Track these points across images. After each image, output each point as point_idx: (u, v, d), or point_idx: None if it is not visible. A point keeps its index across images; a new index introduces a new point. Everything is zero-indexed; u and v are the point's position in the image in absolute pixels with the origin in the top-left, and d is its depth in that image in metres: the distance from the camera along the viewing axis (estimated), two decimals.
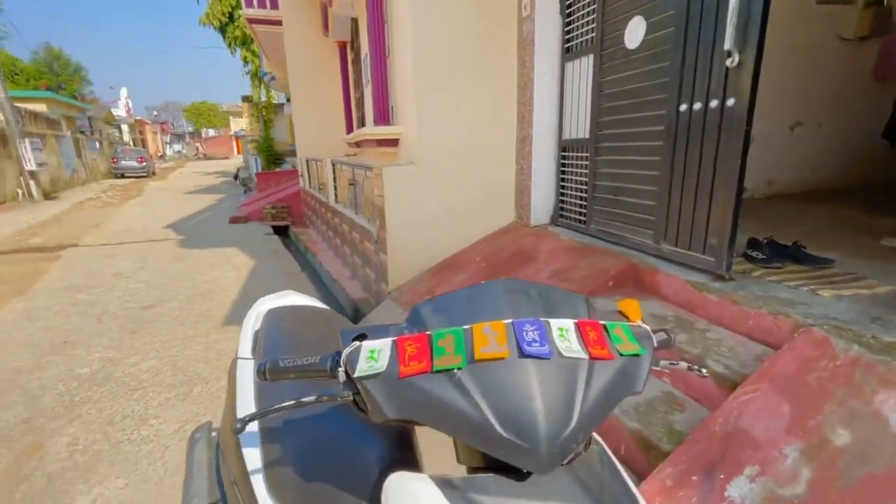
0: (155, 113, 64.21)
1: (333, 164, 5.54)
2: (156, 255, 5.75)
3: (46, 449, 2.05)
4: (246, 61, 16.69)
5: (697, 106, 2.12)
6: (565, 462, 0.58)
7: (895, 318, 1.62)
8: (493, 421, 0.51)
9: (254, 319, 1.37)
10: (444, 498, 0.50)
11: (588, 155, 2.98)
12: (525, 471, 0.54)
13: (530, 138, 3.36)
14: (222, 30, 15.64)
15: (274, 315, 1.34)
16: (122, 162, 21.67)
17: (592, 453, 0.64)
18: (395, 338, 0.59)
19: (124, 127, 33.12)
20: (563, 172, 3.34)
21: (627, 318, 0.68)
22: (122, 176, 21.60)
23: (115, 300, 4.04)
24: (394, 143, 4.04)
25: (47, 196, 12.47)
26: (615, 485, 0.61)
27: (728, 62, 1.91)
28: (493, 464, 0.56)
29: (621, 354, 0.60)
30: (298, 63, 7.88)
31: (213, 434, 1.39)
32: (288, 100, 17.93)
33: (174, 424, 2.22)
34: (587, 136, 2.97)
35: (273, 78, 12.79)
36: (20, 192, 11.78)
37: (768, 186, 4.21)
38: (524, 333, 0.55)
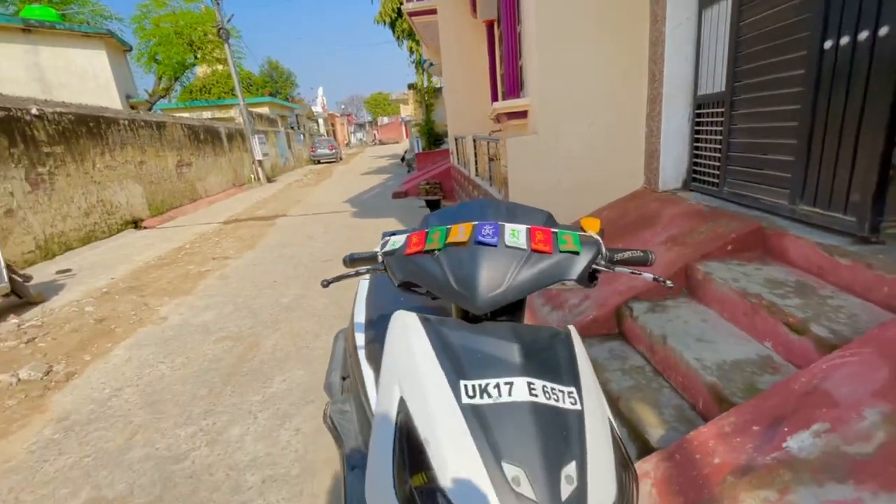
0: (342, 106, 74.88)
1: (474, 140, 5.96)
2: (335, 223, 7.11)
3: (260, 347, 2.98)
4: (411, 51, 18.30)
5: (845, 40, 1.82)
6: (505, 318, 0.83)
7: None
8: (451, 281, 0.80)
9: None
10: (421, 326, 0.81)
11: (723, 111, 2.72)
12: (472, 316, 0.82)
13: (661, 98, 3.18)
14: (392, 25, 17.42)
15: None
16: (318, 150, 26.20)
17: (553, 332, 0.86)
18: (409, 233, 0.91)
19: (320, 121, 39.69)
20: (697, 132, 3.09)
21: (583, 230, 0.87)
22: (318, 162, 26.14)
23: (305, 254, 5.27)
24: (523, 115, 4.22)
25: (269, 179, 16.07)
26: (556, 351, 0.82)
27: None
28: (461, 315, 0.86)
29: (561, 252, 0.81)
30: (451, 46, 8.47)
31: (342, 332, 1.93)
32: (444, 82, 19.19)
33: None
34: (723, 89, 2.71)
35: (432, 64, 13.84)
36: (252, 176, 15.47)
37: None
38: (482, 230, 0.82)
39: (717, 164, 2.85)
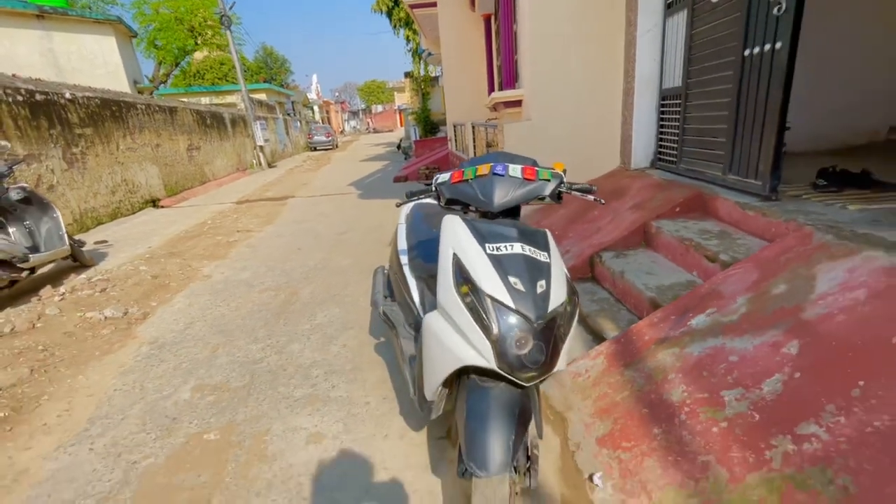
0: (336, 94, 74.53)
1: (473, 127, 6.56)
2: (344, 203, 7.70)
3: (299, 294, 3.60)
4: (408, 40, 18.67)
5: (756, 50, 2.46)
6: (510, 219, 1.47)
7: (893, 220, 1.91)
8: (479, 194, 1.43)
9: (405, 208, 2.48)
10: (461, 220, 1.44)
11: (680, 102, 3.36)
12: (489, 216, 1.45)
13: (633, 91, 3.81)
14: (389, 13, 17.77)
15: (416, 205, 2.42)
16: (315, 137, 26.54)
17: (537, 229, 1.49)
18: (451, 172, 1.54)
19: (315, 108, 39.80)
20: (662, 120, 3.73)
21: (554, 168, 1.50)
22: (315, 149, 26.50)
23: (322, 228, 5.87)
24: (518, 104, 4.83)
25: (270, 165, 16.51)
26: (537, 236, 1.45)
27: (775, 10, 2.25)
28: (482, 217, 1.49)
29: (539, 179, 1.45)
30: (449, 38, 9.00)
31: (385, 270, 2.56)
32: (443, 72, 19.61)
33: (362, 289, 3.59)
34: (680, 84, 3.35)
35: (430, 54, 14.31)
36: (254, 161, 15.90)
37: None
38: (496, 168, 1.45)
39: (675, 146, 3.49)
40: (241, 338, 2.90)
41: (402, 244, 2.19)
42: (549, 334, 1.22)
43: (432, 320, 1.38)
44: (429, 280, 1.95)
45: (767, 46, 2.37)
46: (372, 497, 1.61)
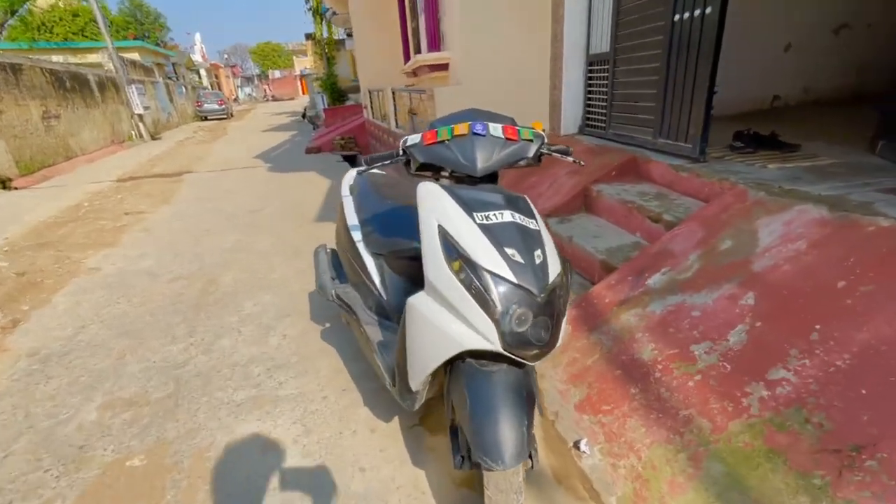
0: (226, 56, 66.96)
1: (394, 93, 6.22)
2: (253, 178, 6.96)
3: (218, 282, 3.16)
4: None
5: (686, 15, 2.54)
6: (495, 182, 1.33)
7: (809, 177, 2.12)
8: (459, 157, 1.27)
9: (348, 179, 2.22)
10: (440, 188, 1.27)
11: (608, 68, 3.43)
12: (474, 179, 1.30)
13: (562, 56, 3.81)
14: None
15: (361, 176, 2.17)
16: (206, 105, 23.66)
17: (518, 194, 1.37)
18: (421, 133, 1.35)
19: (202, 71, 35.38)
20: (590, 86, 3.80)
21: (534, 128, 1.39)
22: (206, 118, 23.68)
23: (231, 206, 5.23)
24: (444, 67, 4.62)
25: (153, 137, 14.40)
26: (520, 202, 1.34)
27: None
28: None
29: (522, 139, 1.32)
30: None
31: (328, 250, 2.30)
32: (349, 35, 18.36)
33: (293, 270, 3.25)
34: (608, 50, 3.40)
35: (334, 13, 13.28)
36: (133, 133, 13.74)
37: (805, 94, 4.32)
38: (475, 126, 1.29)
39: (604, 111, 3.59)
40: (153, 339, 2.46)
41: (352, 219, 1.95)
42: (551, 308, 1.13)
43: (420, 302, 1.22)
44: (389, 257, 1.77)
45: (697, 11, 2.45)
46: (353, 501, 1.44)
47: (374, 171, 2.32)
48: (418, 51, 6.96)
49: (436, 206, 1.23)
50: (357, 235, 1.88)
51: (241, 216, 4.81)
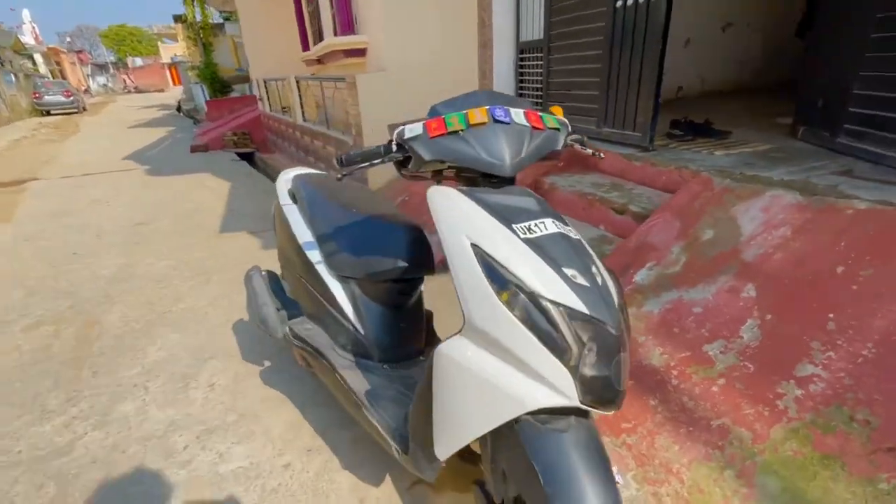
0: (68, 40, 56.73)
1: (298, 82, 5.57)
2: (127, 184, 5.79)
3: (102, 323, 2.45)
4: None
5: (630, 1, 2.49)
6: (516, 183, 1.06)
7: (761, 163, 2.20)
8: (482, 153, 0.97)
9: (284, 183, 1.78)
10: (461, 194, 0.97)
11: (543, 55, 3.33)
12: (495, 180, 1.01)
13: (491, 43, 3.63)
14: None
15: (301, 179, 1.75)
16: (47, 97, 19.71)
17: (544, 200, 1.11)
18: (423, 122, 1.03)
19: (37, 57, 29.38)
20: (521, 74, 3.69)
21: (554, 114, 1.14)
22: (48, 113, 19.76)
23: (104, 221, 4.24)
24: (361, 52, 4.19)
25: None
26: (565, 224, 1.08)
27: None
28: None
29: (548, 128, 1.06)
30: None
31: (263, 272, 1.85)
32: (226, 19, 16.46)
33: (205, 300, 2.65)
34: (542, 37, 3.30)
35: None
36: None
37: (701, 84, 4.71)
38: (495, 112, 1.00)
39: (539, 101, 3.49)
40: (13, 417, 1.78)
41: (304, 234, 1.54)
42: (626, 341, 0.90)
43: (456, 350, 0.91)
44: (364, 282, 1.41)
45: None
46: None
47: (316, 171, 1.91)
48: (320, 36, 6.35)
49: (463, 218, 0.93)
50: (315, 255, 1.48)
51: (120, 233, 3.91)
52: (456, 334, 0.92)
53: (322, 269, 1.46)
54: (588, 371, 0.83)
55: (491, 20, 3.57)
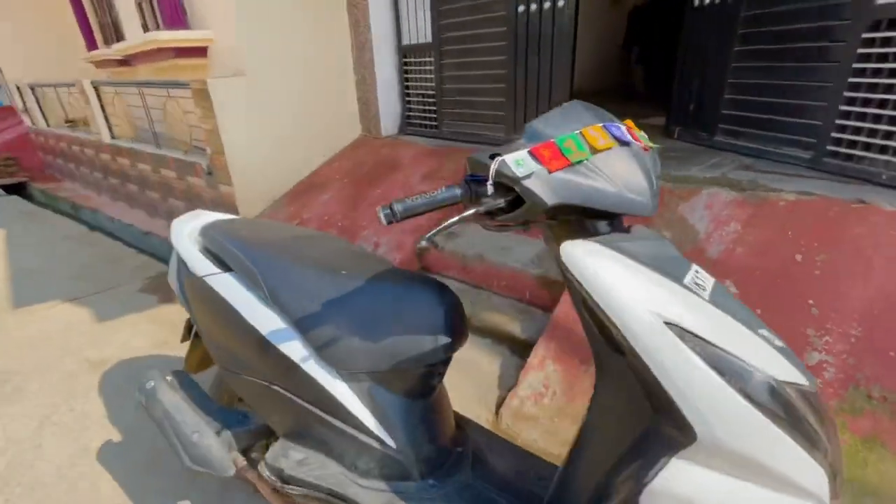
0: None
1: (98, 89, 4.24)
2: None
3: None
4: None
5: (534, 7, 2.46)
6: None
7: (672, 163, 2.40)
8: (623, 189, 0.71)
9: (188, 240, 1.20)
10: (613, 251, 0.69)
11: (433, 59, 3.13)
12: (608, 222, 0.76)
13: (370, 45, 3.28)
14: None
15: (218, 229, 1.20)
16: None
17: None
18: (528, 149, 0.71)
19: None
20: (407, 80, 3.43)
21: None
22: None
23: None
24: (200, 52, 3.36)
25: None
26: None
27: None
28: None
29: (651, 147, 0.85)
30: None
31: (170, 378, 1.23)
32: None
33: (22, 430, 1.72)
34: (430, 40, 3.09)
35: None
36: None
37: None
38: (612, 130, 0.75)
39: (433, 108, 3.29)
40: None
41: (265, 318, 1.02)
42: None
43: (689, 483, 0.64)
44: (388, 375, 1.00)
45: (547, 4, 2.40)
46: None
47: (227, 216, 1.36)
48: (115, 30, 4.96)
49: (640, 287, 0.66)
50: (295, 349, 0.99)
51: None
52: (674, 461, 0.65)
53: (312, 367, 0.99)
54: (836, 462, 0.66)
55: (367, 20, 3.21)
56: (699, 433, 0.62)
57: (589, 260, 0.68)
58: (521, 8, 2.51)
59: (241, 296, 1.05)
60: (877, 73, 1.76)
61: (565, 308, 1.85)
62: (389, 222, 0.72)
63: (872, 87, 1.78)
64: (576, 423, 1.57)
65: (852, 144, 1.88)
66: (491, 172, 0.71)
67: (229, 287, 1.08)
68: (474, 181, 0.74)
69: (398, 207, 0.72)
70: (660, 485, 0.64)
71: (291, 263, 1.06)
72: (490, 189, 0.71)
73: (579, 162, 0.70)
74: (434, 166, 2.96)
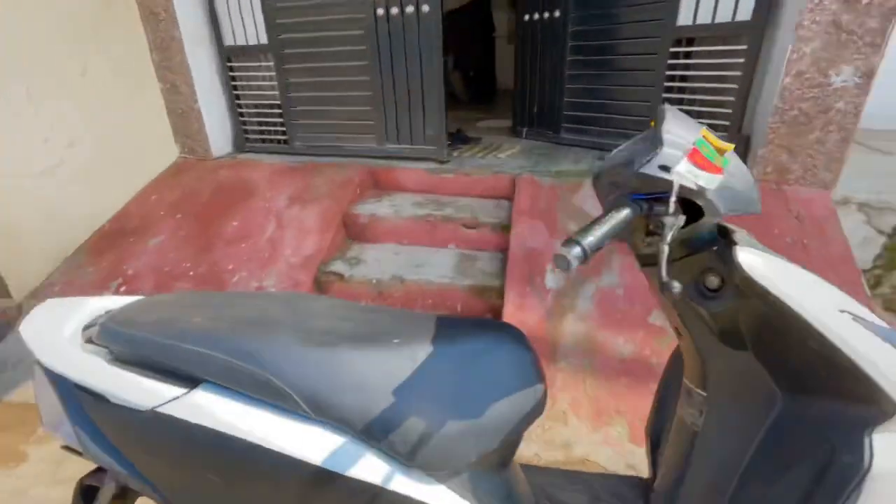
0: None
1: None
2: None
3: None
4: None
5: (395, 11, 2.35)
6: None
7: (544, 161, 2.64)
8: (752, 193, 0.70)
9: (85, 354, 0.76)
10: (772, 254, 0.67)
11: (273, 64, 2.69)
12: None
13: (179, 44, 2.61)
14: None
15: (137, 324, 0.78)
16: None
17: None
18: (685, 156, 0.64)
19: None
20: (236, 88, 2.87)
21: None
22: None
23: None
24: None
25: None
26: None
27: None
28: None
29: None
30: None
31: None
32: None
33: None
34: (265, 41, 2.64)
35: None
36: None
37: None
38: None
39: (279, 120, 2.84)
40: None
41: (302, 435, 0.68)
42: None
43: None
44: (492, 456, 0.80)
45: (410, 8, 2.32)
46: None
47: (117, 301, 0.90)
48: None
49: (811, 285, 0.67)
50: (379, 466, 0.69)
51: None
52: (870, 434, 0.67)
53: (404, 483, 0.70)
54: None
55: (171, 13, 2.54)
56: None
57: (771, 266, 0.66)
58: (381, 11, 2.37)
59: (249, 416, 0.68)
60: (683, 78, 2.29)
61: (511, 310, 1.84)
62: (580, 259, 0.55)
63: (682, 90, 2.30)
64: (560, 420, 1.59)
65: None
66: (674, 188, 0.61)
67: (216, 408, 0.68)
68: (644, 199, 0.63)
69: (588, 241, 0.56)
70: (881, 464, 0.66)
71: (315, 349, 0.73)
72: (671, 207, 0.62)
73: (725, 166, 0.67)
74: (300, 186, 2.56)
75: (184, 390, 0.69)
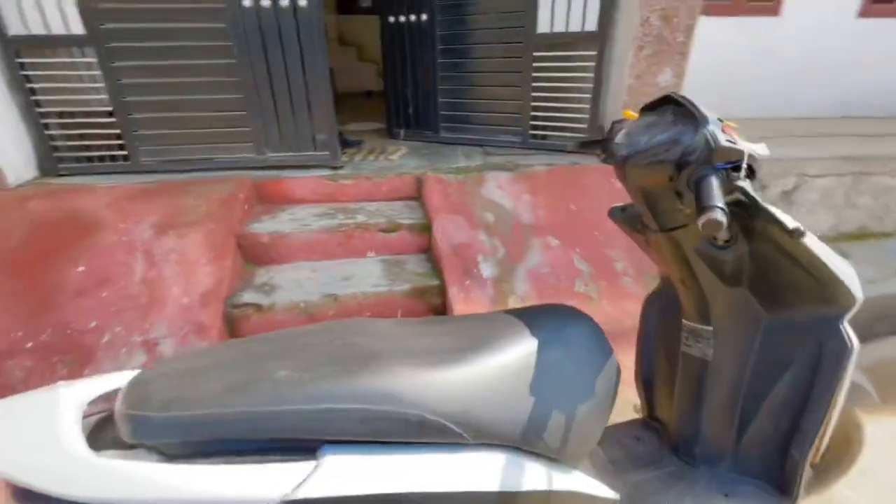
0: None
1: None
2: None
3: None
4: None
5: (266, 3, 2.09)
6: None
7: (436, 157, 2.69)
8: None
9: (83, 444, 0.56)
10: None
11: (97, 61, 2.10)
12: None
13: None
14: None
15: (163, 400, 0.61)
16: None
17: None
18: (721, 127, 0.76)
19: None
20: (34, 91, 2.15)
21: None
22: None
23: None
24: None
25: None
26: None
27: None
28: None
29: None
30: None
31: None
32: None
33: None
34: (82, 31, 2.05)
35: None
36: None
37: None
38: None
39: (112, 131, 2.24)
40: None
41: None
42: None
43: None
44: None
45: (284, 1, 2.09)
46: None
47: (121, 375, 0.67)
48: None
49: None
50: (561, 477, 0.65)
51: None
52: (841, 322, 0.89)
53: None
54: None
55: None
56: (855, 293, 0.88)
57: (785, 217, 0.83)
58: (248, 3, 2.07)
59: (408, 464, 0.56)
60: (549, 79, 2.62)
61: (457, 304, 1.86)
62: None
63: (547, 89, 2.64)
64: None
65: (543, 128, 2.73)
66: (745, 156, 0.72)
67: (366, 467, 0.55)
68: (724, 168, 0.72)
69: (721, 204, 0.62)
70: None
71: (440, 371, 0.65)
72: (744, 173, 0.72)
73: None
74: (166, 210, 2.08)
75: (302, 464, 0.53)
